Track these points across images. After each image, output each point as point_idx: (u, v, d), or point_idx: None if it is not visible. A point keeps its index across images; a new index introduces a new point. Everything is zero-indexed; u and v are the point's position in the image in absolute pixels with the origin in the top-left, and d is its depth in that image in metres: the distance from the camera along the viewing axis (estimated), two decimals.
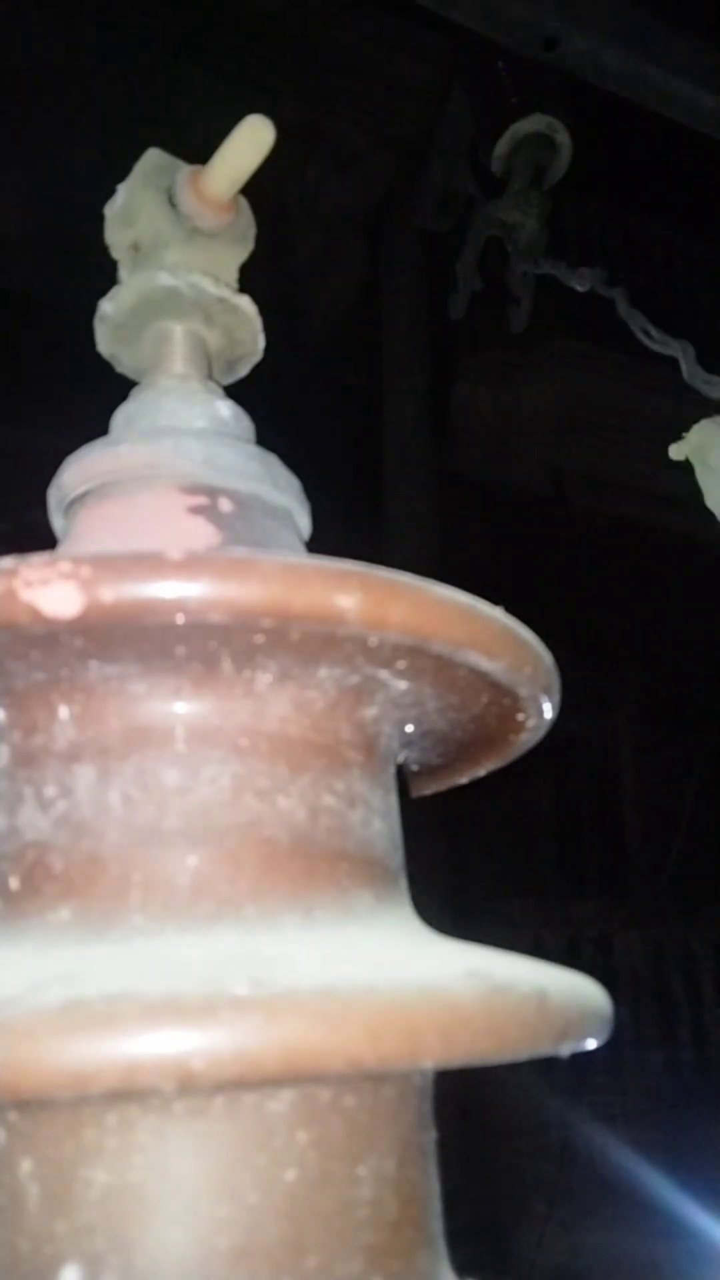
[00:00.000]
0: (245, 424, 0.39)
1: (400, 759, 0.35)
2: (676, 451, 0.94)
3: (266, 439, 0.39)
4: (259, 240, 0.42)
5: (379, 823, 0.31)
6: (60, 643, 0.27)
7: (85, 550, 0.34)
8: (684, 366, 1.04)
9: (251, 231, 0.42)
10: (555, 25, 1.45)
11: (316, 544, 0.38)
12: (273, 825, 0.29)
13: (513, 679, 0.30)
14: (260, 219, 0.42)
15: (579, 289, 1.22)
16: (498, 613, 0.30)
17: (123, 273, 0.41)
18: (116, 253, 0.41)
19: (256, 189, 0.41)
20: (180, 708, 0.29)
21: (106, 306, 0.39)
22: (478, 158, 1.56)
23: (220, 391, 0.39)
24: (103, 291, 0.40)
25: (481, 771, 0.38)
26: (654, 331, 1.08)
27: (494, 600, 0.30)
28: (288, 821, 0.29)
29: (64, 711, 0.29)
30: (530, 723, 0.33)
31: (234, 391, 0.40)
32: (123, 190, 0.41)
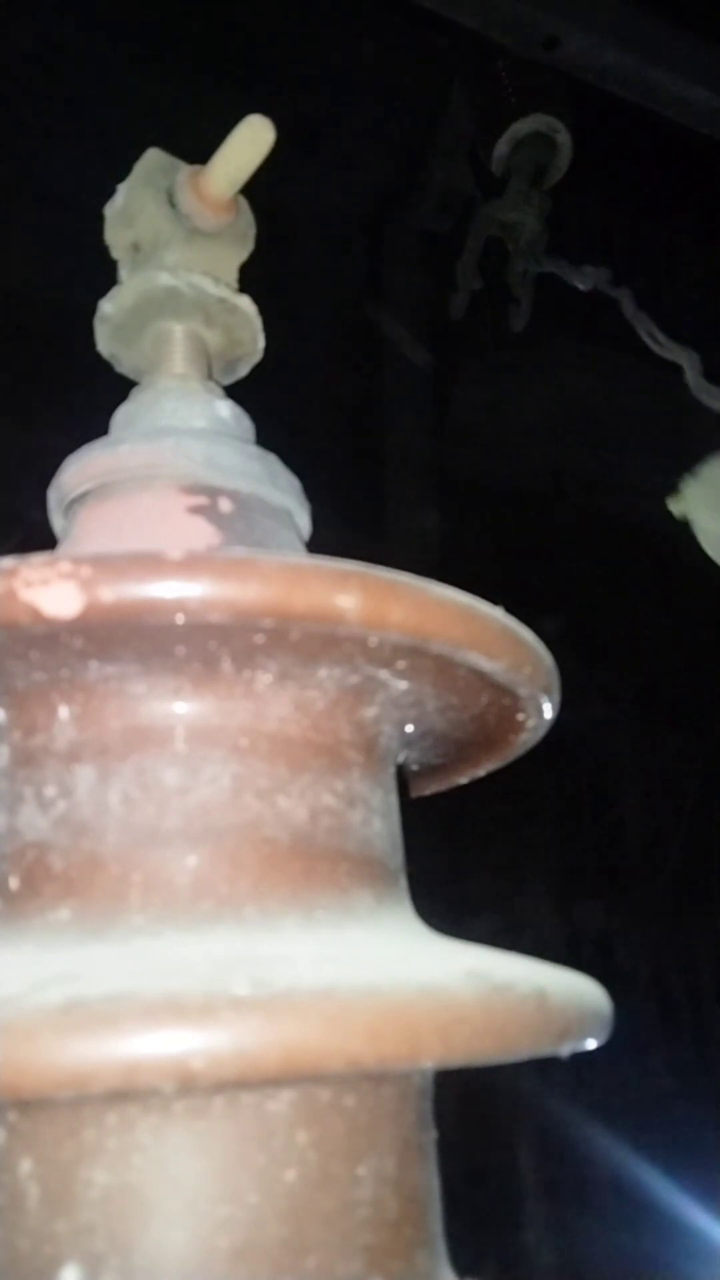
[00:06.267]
0: (245, 424, 0.39)
1: (400, 759, 0.35)
2: (675, 508, 0.94)
3: (266, 439, 0.39)
4: (259, 240, 0.42)
5: (379, 823, 0.31)
6: (60, 643, 0.27)
7: (85, 550, 0.34)
8: (689, 377, 1.04)
9: (251, 231, 0.42)
10: (555, 25, 1.45)
11: (316, 544, 0.38)
12: (273, 825, 0.29)
13: (513, 679, 0.30)
14: (260, 219, 0.42)
15: (581, 288, 1.22)
16: (498, 613, 0.30)
17: (123, 273, 0.41)
18: (116, 253, 0.41)
19: (256, 189, 0.41)
20: (180, 708, 0.29)
21: (106, 306, 0.39)
22: (478, 158, 1.56)
23: (220, 391, 0.39)
24: (103, 291, 0.40)
25: (481, 771, 0.38)
26: (660, 337, 1.08)
27: (494, 600, 0.30)
28: (288, 821, 0.29)
29: (64, 711, 0.29)
30: (530, 723, 0.33)
31: (234, 391, 0.40)
32: (123, 190, 0.41)
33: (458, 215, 2.01)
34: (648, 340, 1.08)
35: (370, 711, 0.31)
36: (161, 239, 0.39)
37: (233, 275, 0.41)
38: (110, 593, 0.25)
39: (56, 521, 0.38)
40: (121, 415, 0.38)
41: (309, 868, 0.29)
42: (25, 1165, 0.25)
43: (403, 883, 0.32)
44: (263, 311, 0.40)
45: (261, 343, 0.41)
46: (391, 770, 0.33)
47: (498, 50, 1.49)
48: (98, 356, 0.41)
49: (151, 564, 0.25)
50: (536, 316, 1.58)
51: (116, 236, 0.41)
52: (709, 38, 1.55)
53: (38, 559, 0.26)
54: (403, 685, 0.30)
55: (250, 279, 0.41)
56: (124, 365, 0.41)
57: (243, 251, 0.41)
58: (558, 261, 1.31)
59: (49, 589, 0.25)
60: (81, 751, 0.29)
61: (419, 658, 0.29)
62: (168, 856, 0.28)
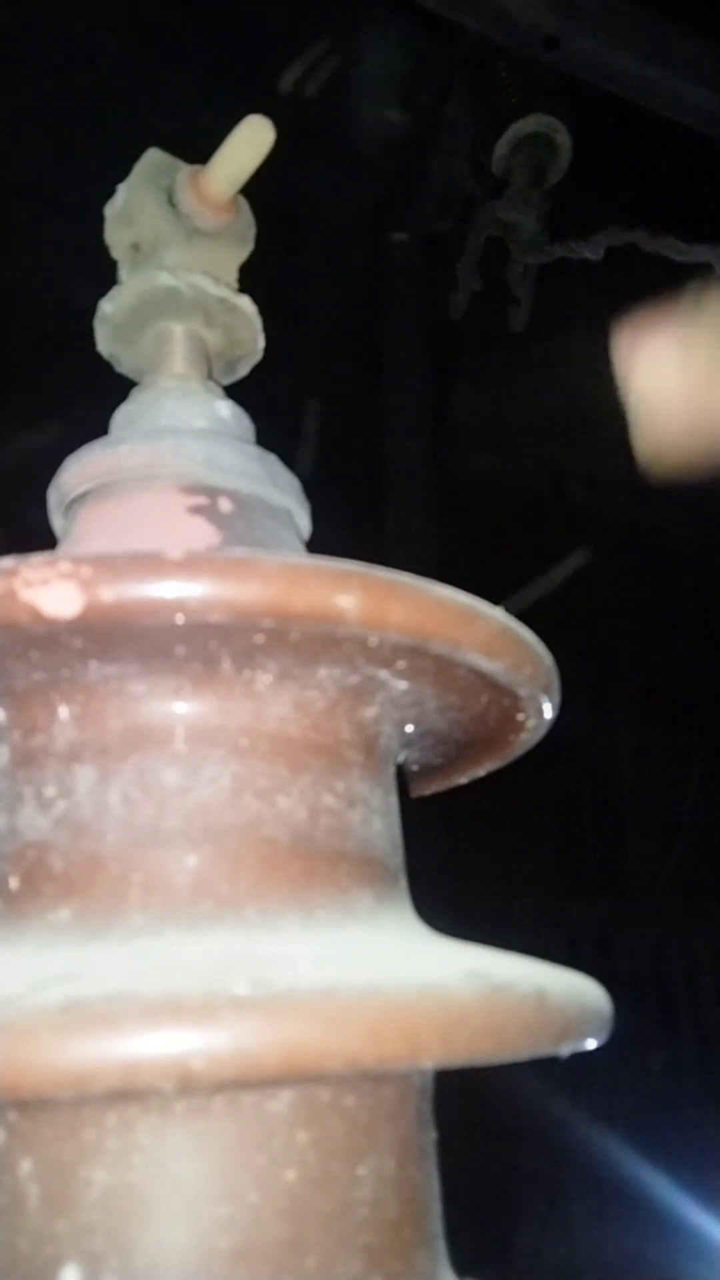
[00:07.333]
0: (245, 424, 0.39)
1: (400, 759, 0.35)
2: None
3: (266, 439, 0.39)
4: (259, 240, 0.42)
5: (379, 822, 0.31)
6: (60, 643, 0.27)
7: (85, 550, 0.34)
8: (717, 269, 1.05)
9: (251, 231, 0.42)
10: (555, 25, 1.45)
11: (316, 544, 0.38)
12: (273, 825, 0.29)
13: (513, 679, 0.30)
14: (260, 219, 0.42)
15: (594, 258, 1.23)
16: (498, 613, 0.30)
17: (123, 273, 0.41)
18: (116, 253, 0.41)
19: (256, 189, 0.41)
20: (180, 708, 0.29)
21: (106, 306, 0.39)
22: (478, 158, 1.56)
23: (220, 391, 0.39)
24: (103, 291, 0.40)
25: (481, 771, 0.38)
26: (684, 246, 1.09)
27: (494, 600, 0.30)
28: (288, 821, 0.29)
29: (64, 711, 0.29)
30: (530, 723, 0.33)
31: (234, 391, 0.40)
32: (123, 190, 0.41)
33: (458, 215, 2.01)
34: (674, 255, 1.09)
35: (370, 711, 0.31)
36: (161, 239, 0.39)
37: (233, 275, 0.41)
38: (110, 593, 0.25)
39: (56, 521, 0.38)
40: (121, 415, 0.38)
41: (309, 868, 0.29)
42: (25, 1165, 0.25)
43: (403, 883, 0.32)
44: (263, 311, 0.40)
45: (261, 343, 0.41)
46: (391, 770, 0.33)
47: (498, 50, 1.49)
48: (98, 356, 0.41)
49: (151, 564, 0.25)
50: (536, 316, 1.58)
51: (116, 236, 0.41)
52: (709, 38, 1.55)
53: (38, 559, 0.26)
54: (403, 685, 0.30)
55: (250, 279, 0.41)
56: (124, 365, 0.41)
57: (243, 251, 0.41)
58: (563, 244, 1.32)
59: (49, 589, 0.25)
60: (81, 751, 0.29)
61: (419, 658, 0.29)
62: (168, 856, 0.28)
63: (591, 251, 1.23)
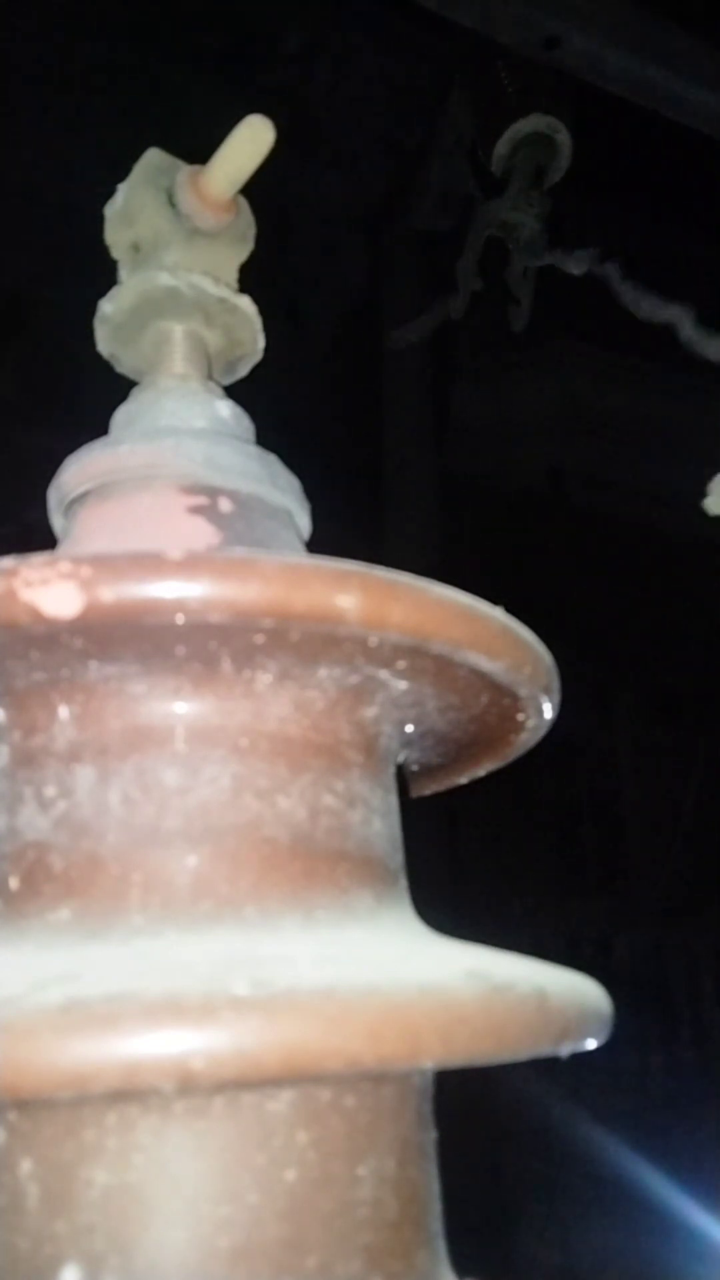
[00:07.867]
0: (245, 424, 0.39)
1: (400, 759, 0.35)
2: (713, 506, 0.94)
3: (267, 439, 0.39)
4: (259, 240, 0.42)
5: (379, 822, 0.31)
6: (60, 643, 0.27)
7: (85, 550, 0.34)
8: (681, 331, 1.05)
9: (251, 231, 0.42)
10: (555, 25, 1.45)
11: (316, 544, 0.38)
12: (273, 825, 0.29)
13: (513, 679, 0.30)
14: (260, 219, 0.42)
15: (576, 273, 1.23)
16: (498, 613, 0.30)
17: (123, 273, 0.41)
18: (116, 253, 0.41)
19: (256, 189, 0.41)
20: (180, 708, 0.29)
21: (106, 306, 0.39)
22: (478, 158, 1.56)
23: (220, 391, 0.39)
24: (103, 291, 0.40)
25: (481, 771, 0.38)
26: (646, 301, 1.09)
27: (494, 600, 0.30)
28: (288, 821, 0.29)
29: (64, 711, 0.29)
30: (530, 723, 0.33)
31: (234, 391, 0.40)
32: (123, 190, 0.41)
33: (458, 215, 2.01)
34: (632, 307, 1.09)
35: (370, 711, 0.31)
36: (161, 239, 0.39)
37: (233, 275, 0.41)
38: (110, 593, 0.25)
39: (56, 521, 0.38)
40: (121, 415, 0.38)
41: (309, 868, 0.29)
42: (25, 1165, 0.25)
43: (403, 883, 0.32)
44: (263, 311, 0.40)
45: (261, 343, 0.41)
46: (391, 770, 0.33)
47: (498, 50, 1.49)
48: (97, 356, 0.41)
49: (151, 564, 0.25)
50: (537, 316, 1.58)
51: (116, 236, 0.41)
52: (709, 38, 1.55)
53: (38, 559, 0.26)
54: (403, 685, 0.30)
55: (250, 279, 0.41)
56: (124, 365, 0.41)
57: (243, 251, 0.41)
58: (552, 252, 1.32)
59: (49, 589, 0.25)
60: (81, 751, 0.29)
61: (419, 658, 0.29)
62: (168, 856, 0.28)
63: (575, 267, 1.23)
